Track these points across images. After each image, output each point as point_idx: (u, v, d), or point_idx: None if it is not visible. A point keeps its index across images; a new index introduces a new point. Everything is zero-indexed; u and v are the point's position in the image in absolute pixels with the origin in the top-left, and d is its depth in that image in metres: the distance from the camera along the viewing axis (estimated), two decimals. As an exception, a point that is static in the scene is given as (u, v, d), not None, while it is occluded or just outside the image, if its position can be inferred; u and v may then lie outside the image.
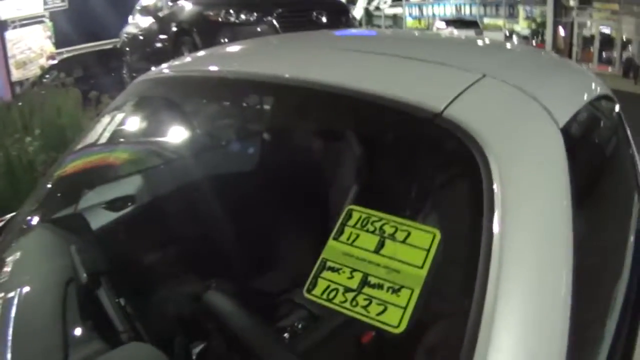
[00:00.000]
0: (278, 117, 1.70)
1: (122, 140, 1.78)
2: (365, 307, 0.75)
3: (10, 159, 3.93)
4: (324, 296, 0.78)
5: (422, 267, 0.76)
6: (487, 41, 1.90)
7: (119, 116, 1.64)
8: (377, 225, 0.82)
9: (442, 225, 0.82)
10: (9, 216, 1.78)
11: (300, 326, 1.16)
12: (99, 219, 1.64)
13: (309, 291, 0.80)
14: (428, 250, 0.77)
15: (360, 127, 1.31)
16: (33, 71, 13.26)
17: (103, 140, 1.64)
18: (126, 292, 1.26)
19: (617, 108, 1.57)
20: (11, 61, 13.11)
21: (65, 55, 13.22)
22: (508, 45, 1.93)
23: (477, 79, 1.02)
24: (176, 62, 1.70)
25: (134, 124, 1.72)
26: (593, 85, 1.44)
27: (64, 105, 4.76)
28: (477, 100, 0.98)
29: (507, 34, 21.57)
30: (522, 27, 22.41)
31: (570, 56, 18.72)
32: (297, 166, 1.60)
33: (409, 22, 26.24)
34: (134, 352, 1.07)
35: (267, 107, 1.75)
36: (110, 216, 1.68)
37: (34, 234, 1.50)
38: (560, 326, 0.72)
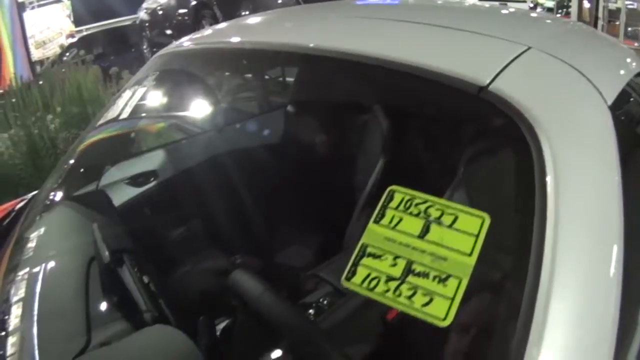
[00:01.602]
0: (307, 90, 1.65)
1: (143, 115, 1.76)
2: (409, 298, 0.69)
3: (32, 137, 3.95)
4: (365, 285, 0.72)
5: (470, 255, 0.70)
6: (521, 11, 1.79)
7: (140, 91, 1.61)
8: (422, 207, 0.76)
9: (490, 209, 0.75)
10: (30, 195, 1.77)
11: (325, 302, 1.13)
12: (122, 195, 1.63)
13: (348, 279, 0.73)
14: (477, 236, 0.71)
15: (398, 100, 1.24)
16: (53, 50, 13.30)
17: (124, 115, 1.61)
18: (150, 270, 1.24)
19: None
20: (31, 41, 13.14)
21: (84, 33, 13.23)
22: (545, 16, 1.83)
23: (522, 51, 0.96)
24: (197, 35, 1.66)
25: (155, 98, 1.69)
26: (633, 61, 1.37)
27: (84, 82, 4.76)
28: (524, 74, 0.91)
29: (532, 5, 21.14)
30: (546, -2, 21.94)
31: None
32: (326, 141, 1.55)
33: (431, -7, 25.81)
34: (158, 334, 1.04)
35: (297, 79, 1.69)
36: (133, 192, 1.66)
37: (57, 211, 1.49)
38: (611, 317, 0.67)
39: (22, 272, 1.22)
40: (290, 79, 1.81)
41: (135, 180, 1.70)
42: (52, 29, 14.12)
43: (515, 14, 1.67)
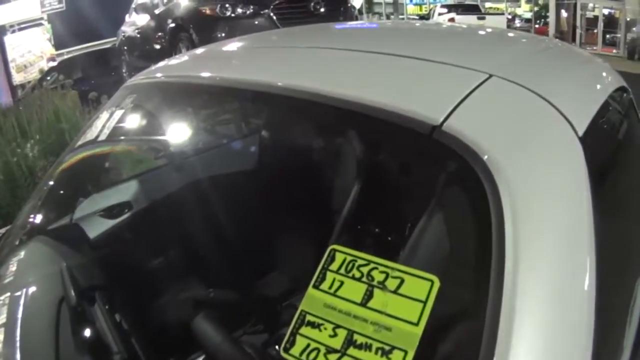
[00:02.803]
0: (265, 128, 1.63)
1: (111, 147, 1.73)
2: None
3: (9, 165, 3.91)
4: (303, 357, 0.66)
5: (417, 324, 0.63)
6: (491, 32, 1.73)
7: (109, 123, 1.58)
8: (365, 270, 0.69)
9: (441, 266, 0.70)
10: (3, 230, 1.74)
11: None
12: (96, 228, 1.60)
13: (286, 350, 0.67)
14: (425, 303, 0.64)
15: (349, 142, 1.19)
16: (34, 74, 13.31)
17: (92, 147, 1.59)
18: (123, 306, 1.21)
19: (631, 99, 1.43)
20: (12, 65, 13.14)
21: (65, 57, 13.21)
22: (514, 36, 1.74)
23: (482, 81, 0.89)
24: (168, 64, 1.64)
25: (123, 129, 1.67)
26: (608, 77, 1.31)
27: (62, 108, 4.73)
28: (482, 108, 0.84)
29: (510, 17, 21.43)
30: (524, 9, 22.27)
31: (574, 38, 18.51)
32: (284, 180, 1.52)
33: (410, 8, 26.05)
34: None
35: (254, 116, 1.69)
36: (107, 224, 1.64)
37: (30, 247, 1.46)
38: None
39: None
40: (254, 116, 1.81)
41: (110, 212, 1.68)
42: (33, 52, 14.14)
43: (478, 35, 1.63)
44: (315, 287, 0.71)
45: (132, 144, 1.82)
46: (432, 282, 0.66)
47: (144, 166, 1.85)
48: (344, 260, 0.72)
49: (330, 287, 0.70)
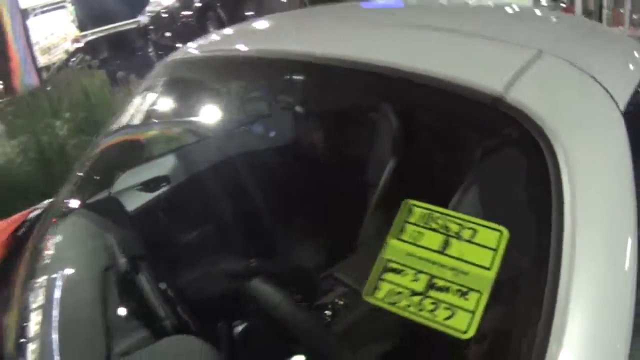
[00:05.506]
0: (314, 100, 1.63)
1: (154, 122, 1.75)
2: (431, 312, 0.71)
3: (41, 144, 3.97)
4: (387, 300, 0.73)
5: (489, 269, 0.71)
6: (527, 9, 1.73)
7: (150, 98, 1.60)
8: (440, 222, 0.77)
9: (507, 223, 0.76)
10: (42, 204, 1.77)
11: (342, 303, 1.14)
12: (134, 201, 1.63)
13: (369, 294, 0.75)
14: (496, 250, 0.72)
15: (407, 112, 1.22)
16: (58, 56, 13.35)
17: (135, 122, 1.61)
18: (166, 276, 1.24)
19: None
20: (35, 47, 13.20)
21: (89, 38, 13.26)
22: (547, 13, 1.75)
23: (533, 56, 0.94)
24: (204, 41, 1.65)
25: (165, 105, 1.69)
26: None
27: (90, 87, 4.77)
28: (537, 81, 0.90)
29: (535, -3, 20.98)
30: (550, -11, 21.81)
31: (600, 19, 18.13)
32: (337, 145, 1.53)
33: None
34: (180, 344, 1.06)
35: (301, 89, 1.69)
36: (145, 198, 1.67)
37: (71, 221, 1.48)
38: (627, 309, 0.69)
39: (40, 281, 1.21)
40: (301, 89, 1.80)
41: (147, 186, 1.70)
42: (56, 34, 14.17)
43: (516, 12, 1.63)
44: (396, 237, 0.78)
45: (173, 121, 1.83)
46: (502, 232, 0.73)
47: (185, 141, 1.86)
48: (421, 213, 0.79)
49: (410, 238, 0.77)
